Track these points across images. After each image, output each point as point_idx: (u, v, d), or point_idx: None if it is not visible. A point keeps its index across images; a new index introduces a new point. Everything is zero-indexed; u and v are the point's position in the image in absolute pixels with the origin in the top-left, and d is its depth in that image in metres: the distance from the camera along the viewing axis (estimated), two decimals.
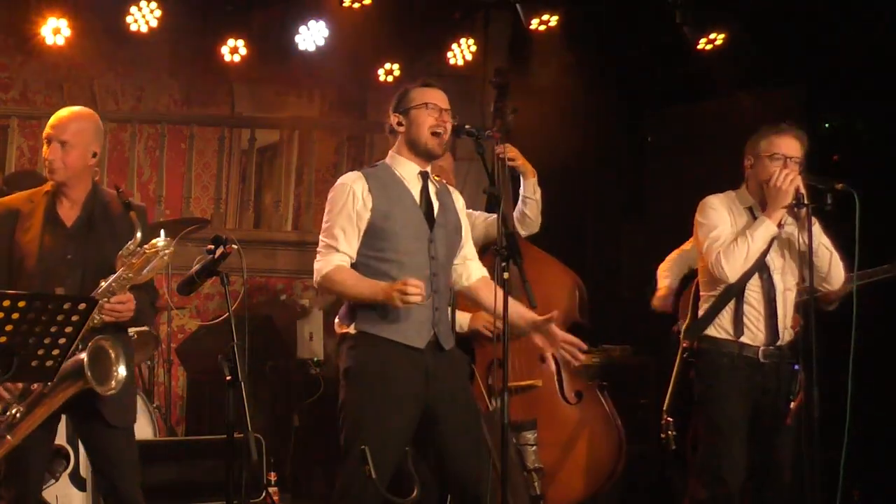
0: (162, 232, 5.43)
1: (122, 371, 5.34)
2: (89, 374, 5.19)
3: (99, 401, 5.42)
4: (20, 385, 5.29)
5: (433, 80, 5.77)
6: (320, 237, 5.60)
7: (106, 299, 5.33)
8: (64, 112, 5.61)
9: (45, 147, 5.54)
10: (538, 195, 7.26)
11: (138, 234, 5.34)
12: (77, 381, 5.24)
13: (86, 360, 5.19)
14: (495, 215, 7.14)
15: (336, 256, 5.51)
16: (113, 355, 5.33)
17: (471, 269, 5.85)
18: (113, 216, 5.56)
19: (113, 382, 5.32)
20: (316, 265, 5.58)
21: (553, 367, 7.26)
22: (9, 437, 5.30)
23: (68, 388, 5.29)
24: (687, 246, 7.20)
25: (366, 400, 5.51)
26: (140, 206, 5.58)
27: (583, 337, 7.21)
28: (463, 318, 6.66)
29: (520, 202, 7.28)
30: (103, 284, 5.34)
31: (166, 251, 5.36)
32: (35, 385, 5.30)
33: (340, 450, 5.58)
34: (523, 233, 7.32)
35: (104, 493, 5.72)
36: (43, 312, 4.72)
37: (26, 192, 5.69)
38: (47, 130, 5.54)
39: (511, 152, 7.20)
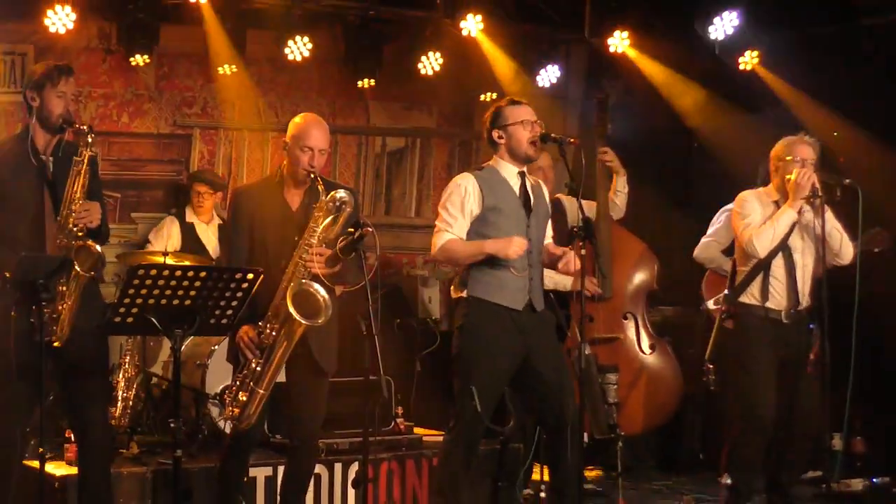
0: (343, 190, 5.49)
1: (327, 303, 5.27)
2: (296, 312, 5.22)
3: (317, 352, 5.53)
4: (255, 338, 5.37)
5: (519, 98, 6.00)
6: (437, 221, 5.86)
7: (306, 251, 5.36)
8: (323, 124, 5.58)
9: (309, 153, 5.44)
10: (626, 189, 7.60)
11: (322, 198, 5.41)
12: (293, 323, 5.28)
13: (289, 302, 5.25)
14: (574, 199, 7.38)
15: (448, 235, 5.78)
16: (312, 290, 5.29)
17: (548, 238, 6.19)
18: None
19: (322, 316, 5.29)
20: (433, 241, 5.85)
21: (633, 323, 7.50)
22: (259, 390, 5.39)
23: (290, 330, 5.33)
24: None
25: (475, 351, 5.72)
26: (327, 179, 5.59)
27: (656, 300, 7.53)
28: (566, 280, 6.82)
29: (611, 193, 7.53)
30: (299, 241, 5.43)
31: (344, 201, 5.36)
32: (265, 339, 5.37)
33: (454, 390, 5.78)
34: (613, 217, 7.57)
35: (290, 424, 5.78)
36: (219, 281, 4.93)
37: (257, 182, 5.90)
38: (320, 143, 5.47)
39: (608, 154, 7.37)
